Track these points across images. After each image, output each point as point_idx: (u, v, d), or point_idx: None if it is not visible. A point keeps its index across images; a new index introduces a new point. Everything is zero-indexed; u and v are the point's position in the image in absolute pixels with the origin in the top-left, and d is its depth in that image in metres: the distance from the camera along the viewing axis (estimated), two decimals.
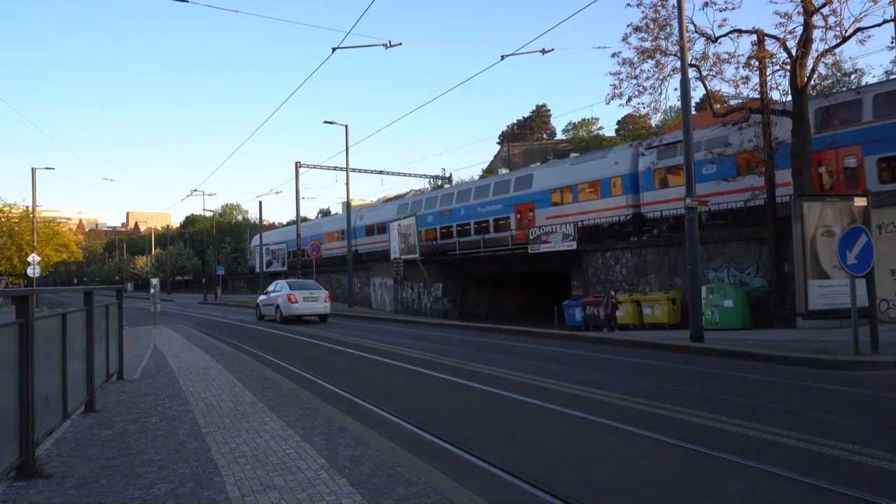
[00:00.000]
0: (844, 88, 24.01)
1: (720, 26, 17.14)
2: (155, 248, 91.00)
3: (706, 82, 17.82)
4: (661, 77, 17.84)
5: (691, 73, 15.80)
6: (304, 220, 57.30)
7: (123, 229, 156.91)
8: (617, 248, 23.85)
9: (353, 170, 47.69)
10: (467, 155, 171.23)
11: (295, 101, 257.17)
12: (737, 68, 19.91)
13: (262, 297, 27.16)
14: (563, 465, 5.23)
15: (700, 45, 18.97)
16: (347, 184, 35.79)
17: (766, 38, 17.12)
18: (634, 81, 18.10)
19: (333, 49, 18.94)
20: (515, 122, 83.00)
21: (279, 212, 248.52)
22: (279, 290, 25.04)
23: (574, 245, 25.17)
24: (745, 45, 76.69)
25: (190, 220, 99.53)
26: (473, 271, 33.24)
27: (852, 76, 30.58)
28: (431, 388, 9.32)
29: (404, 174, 70.14)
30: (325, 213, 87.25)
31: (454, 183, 55.74)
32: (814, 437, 5.70)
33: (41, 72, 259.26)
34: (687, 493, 4.52)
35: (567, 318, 23.23)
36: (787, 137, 17.78)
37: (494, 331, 19.49)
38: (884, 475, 4.75)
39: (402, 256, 34.29)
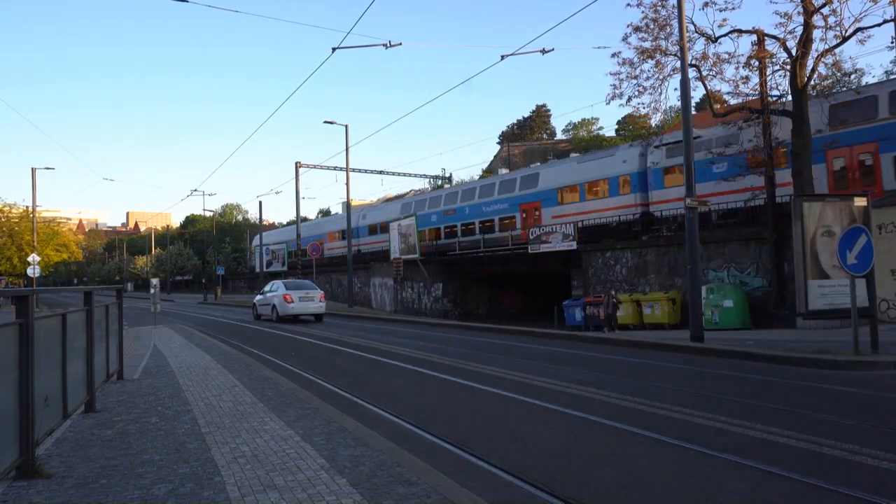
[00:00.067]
0: (844, 88, 23.99)
1: (720, 26, 17.15)
2: (155, 248, 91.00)
3: (706, 82, 17.82)
4: (661, 77, 17.84)
5: (691, 73, 15.81)
6: (304, 220, 57.30)
7: (123, 229, 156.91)
8: (617, 248, 23.83)
9: (353, 170, 47.74)
10: (467, 155, 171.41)
11: (295, 101, 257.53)
12: (737, 68, 19.96)
13: (258, 297, 27.45)
14: (563, 465, 5.23)
15: (700, 45, 19.01)
16: (347, 184, 35.82)
17: (766, 38, 17.11)
18: (634, 81, 18.09)
19: (333, 49, 18.96)
20: (515, 122, 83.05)
21: (279, 212, 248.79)
22: (275, 290, 25.35)
23: (574, 245, 25.15)
24: (745, 45, 76.78)
25: (190, 220, 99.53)
26: (473, 271, 33.22)
27: (852, 76, 30.57)
28: (431, 388, 9.32)
29: (404, 174, 70.22)
30: (325, 213, 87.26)
31: (454, 183, 55.73)
32: (814, 437, 5.69)
33: (41, 72, 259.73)
34: (687, 493, 4.52)
35: (567, 318, 23.23)
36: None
37: (494, 331, 19.48)
38: (884, 475, 4.75)
39: (402, 256, 34.29)
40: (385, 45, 19.24)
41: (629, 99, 18.49)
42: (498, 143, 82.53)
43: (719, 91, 19.54)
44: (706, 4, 16.78)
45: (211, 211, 69.33)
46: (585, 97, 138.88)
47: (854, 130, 18.25)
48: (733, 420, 6.44)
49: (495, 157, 77.26)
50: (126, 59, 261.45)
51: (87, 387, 7.03)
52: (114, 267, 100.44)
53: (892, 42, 16.37)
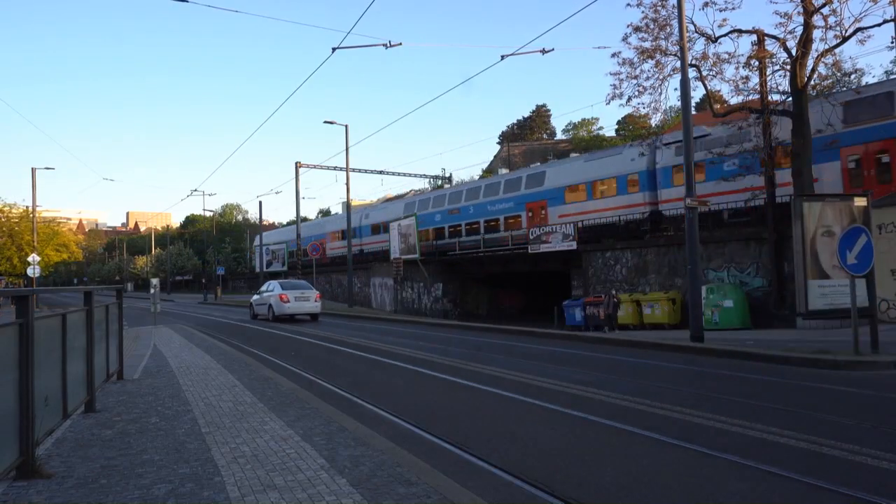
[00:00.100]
0: (844, 88, 23.97)
1: (720, 26, 17.15)
2: (155, 248, 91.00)
3: (706, 82, 17.82)
4: (661, 77, 17.84)
5: (691, 73, 15.80)
6: (305, 220, 57.30)
7: (123, 229, 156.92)
8: (617, 249, 23.83)
9: (353, 170, 47.72)
10: (467, 155, 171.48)
11: (295, 101, 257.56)
12: (737, 68, 19.89)
13: (255, 297, 27.78)
14: (563, 465, 5.23)
15: (700, 45, 19.01)
16: (347, 184, 35.82)
17: (766, 38, 17.11)
18: (634, 81, 18.09)
19: (333, 49, 18.96)
20: (515, 122, 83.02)
21: (279, 212, 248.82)
22: (272, 290, 25.65)
23: (574, 245, 25.15)
24: (745, 45, 76.73)
25: (190, 220, 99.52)
26: (473, 271, 33.22)
27: (852, 76, 30.55)
28: (431, 388, 9.32)
29: (404, 174, 70.23)
30: (325, 212, 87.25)
31: (454, 183, 55.69)
32: (814, 437, 5.69)
33: (41, 72, 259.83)
34: (687, 493, 4.52)
35: (567, 318, 23.24)
36: (816, 132, 17.49)
37: (494, 331, 19.48)
38: (884, 475, 4.75)
39: (402, 256, 34.30)
40: (385, 45, 19.25)
41: (629, 99, 18.50)
42: (498, 143, 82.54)
43: (719, 91, 19.55)
44: (706, 4, 16.79)
45: (211, 211, 69.37)
46: (585, 97, 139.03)
47: (869, 128, 17.94)
48: (733, 420, 6.44)
49: (495, 157, 77.26)
50: (126, 59, 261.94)
51: (87, 387, 7.03)
52: (114, 267, 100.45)
53: (892, 42, 16.36)
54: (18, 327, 4.54)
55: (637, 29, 17.70)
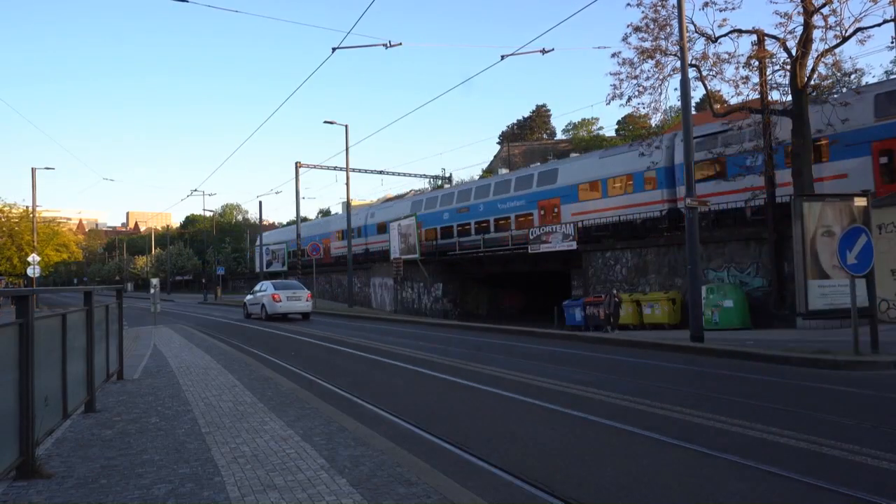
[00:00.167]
0: (845, 88, 23.95)
1: (720, 26, 17.15)
2: (155, 248, 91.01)
3: (706, 82, 17.82)
4: (661, 77, 17.84)
5: (691, 73, 15.80)
6: (304, 220, 57.30)
7: (123, 229, 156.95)
8: (617, 248, 23.82)
9: (353, 170, 47.74)
10: (467, 155, 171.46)
11: (295, 101, 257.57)
12: (737, 68, 19.86)
13: (248, 297, 28.37)
14: (563, 465, 5.23)
15: (700, 45, 18.98)
16: (347, 184, 35.85)
17: (766, 38, 17.11)
18: (634, 81, 18.10)
19: (333, 49, 18.96)
20: (515, 122, 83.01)
21: (279, 212, 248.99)
22: (265, 290, 26.32)
23: (574, 245, 25.13)
24: (745, 45, 76.74)
25: (190, 220, 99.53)
26: (473, 271, 33.22)
27: (852, 76, 30.55)
28: (431, 388, 9.32)
29: (404, 174, 70.29)
30: (325, 212, 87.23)
31: (455, 183, 55.69)
32: (814, 437, 5.70)
33: (41, 72, 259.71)
34: (687, 493, 4.52)
35: (567, 318, 23.23)
36: (846, 127, 17.37)
37: (494, 331, 19.49)
38: (884, 475, 4.75)
39: (402, 256, 34.30)
40: (385, 45, 19.25)
41: (629, 99, 18.51)
42: (498, 143, 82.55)
43: (719, 91, 19.51)
44: (706, 4, 16.79)
45: (211, 211, 69.36)
46: (585, 97, 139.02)
47: None
48: (733, 420, 6.44)
49: (495, 157, 77.26)
50: (126, 59, 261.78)
51: (87, 387, 7.03)
52: (114, 267, 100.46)
53: (893, 42, 16.36)
54: (18, 327, 4.54)
55: (637, 29, 17.71)
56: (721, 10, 16.77)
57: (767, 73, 17.73)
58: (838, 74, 23.33)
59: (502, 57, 18.74)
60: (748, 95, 18.16)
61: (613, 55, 18.33)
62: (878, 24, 15.59)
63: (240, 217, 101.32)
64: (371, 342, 15.94)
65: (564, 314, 23.50)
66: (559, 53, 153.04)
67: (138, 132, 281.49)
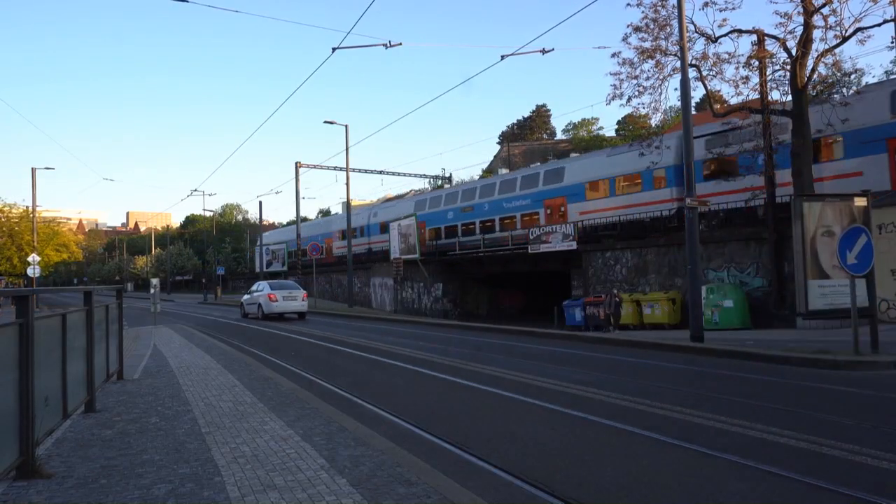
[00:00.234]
0: (845, 88, 23.94)
1: (720, 26, 17.14)
2: (155, 248, 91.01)
3: (706, 82, 17.82)
4: (661, 77, 17.84)
5: (691, 73, 15.80)
6: (304, 220, 57.29)
7: (123, 229, 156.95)
8: (617, 248, 23.81)
9: (353, 170, 47.71)
10: (467, 155, 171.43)
11: (295, 101, 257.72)
12: (737, 68, 19.88)
13: (245, 297, 28.84)
14: (563, 465, 5.23)
15: (700, 45, 18.99)
16: (347, 184, 35.86)
17: (766, 38, 17.11)
18: (634, 81, 18.09)
19: (333, 49, 18.96)
20: (515, 122, 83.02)
21: (279, 212, 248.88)
22: (261, 290, 26.83)
23: (574, 245, 25.12)
24: (745, 45, 76.71)
25: (190, 220, 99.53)
26: (473, 271, 33.20)
27: (852, 76, 30.55)
28: (431, 388, 9.32)
29: (404, 174, 70.26)
30: (325, 212, 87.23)
31: (454, 183, 55.66)
32: (814, 437, 5.70)
33: (41, 72, 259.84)
34: (687, 493, 4.52)
35: (567, 318, 23.23)
36: (861, 124, 17.20)
37: (494, 331, 19.49)
38: (884, 475, 4.75)
39: (402, 256, 34.30)
40: (385, 45, 19.25)
41: (629, 99, 18.50)
42: (498, 143, 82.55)
43: (719, 91, 19.48)
44: (706, 4, 16.79)
45: (211, 211, 69.36)
46: (585, 97, 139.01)
47: None
48: (733, 420, 6.44)
49: (495, 157, 77.27)
50: (126, 59, 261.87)
51: (87, 387, 7.03)
52: (114, 267, 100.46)
53: (893, 42, 16.36)
54: (18, 327, 4.54)
55: (637, 29, 17.71)
56: (721, 10, 16.78)
57: (767, 73, 17.73)
58: (838, 74, 23.30)
59: (502, 57, 18.76)
60: (748, 95, 18.16)
61: (613, 55, 18.35)
62: (878, 24, 15.60)
63: (240, 217, 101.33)
64: (371, 342, 15.94)
65: (564, 314, 23.49)
66: (559, 53, 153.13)
67: (138, 132, 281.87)
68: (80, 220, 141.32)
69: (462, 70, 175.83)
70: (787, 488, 4.55)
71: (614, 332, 18.31)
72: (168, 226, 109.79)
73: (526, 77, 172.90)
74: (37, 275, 37.36)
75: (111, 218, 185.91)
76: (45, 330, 5.35)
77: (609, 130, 71.06)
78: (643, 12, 17.49)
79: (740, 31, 17.22)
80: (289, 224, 67.68)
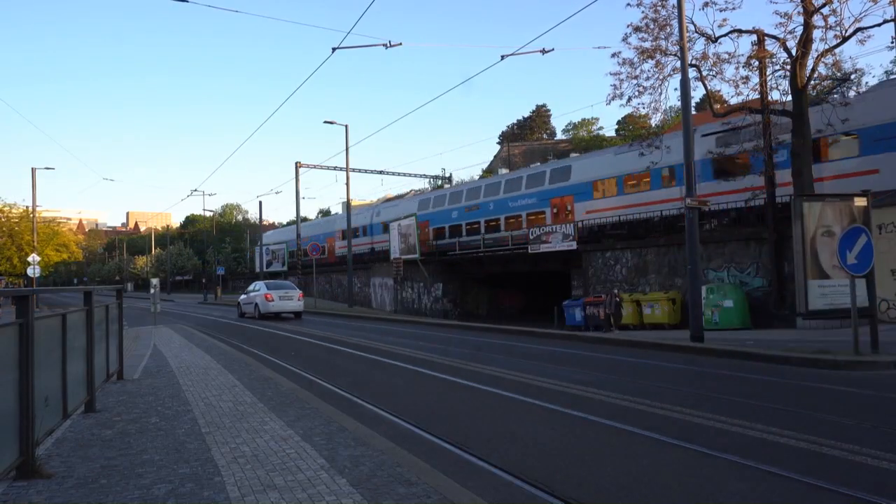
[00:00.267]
0: (845, 89, 23.91)
1: (720, 26, 17.15)
2: (155, 248, 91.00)
3: (706, 82, 17.82)
4: (661, 77, 17.85)
5: (691, 73, 15.80)
6: (304, 220, 57.27)
7: (123, 229, 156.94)
8: (617, 248, 23.80)
9: (353, 170, 47.70)
10: (467, 155, 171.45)
11: (295, 101, 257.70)
12: (737, 68, 19.88)
13: (242, 297, 29.25)
14: (563, 465, 5.23)
15: (700, 45, 18.98)
16: (347, 184, 35.86)
17: (766, 38, 17.11)
18: (634, 81, 18.10)
19: (333, 49, 18.97)
20: (515, 122, 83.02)
21: (279, 212, 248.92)
22: (258, 290, 27.32)
23: (574, 245, 25.11)
24: (745, 45, 76.74)
25: (190, 220, 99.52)
26: (473, 271, 33.20)
27: (853, 76, 30.55)
28: (431, 389, 9.32)
29: (404, 174, 70.28)
30: (325, 212, 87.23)
31: (454, 183, 55.65)
32: (814, 437, 5.70)
33: (41, 72, 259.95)
34: (687, 493, 4.52)
35: (567, 318, 23.23)
36: (872, 121, 17.12)
37: (494, 331, 19.49)
38: (884, 475, 4.75)
39: (401, 256, 34.31)
40: (385, 45, 19.25)
41: (629, 99, 18.52)
42: (498, 143, 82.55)
43: (719, 91, 19.46)
44: (706, 4, 16.80)
45: (211, 211, 69.38)
46: (585, 97, 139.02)
47: None
48: (733, 420, 6.44)
49: (495, 157, 77.28)
50: (126, 59, 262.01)
51: (87, 387, 7.03)
52: (114, 267, 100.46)
53: (893, 42, 16.36)
54: (18, 327, 4.54)
55: (637, 29, 17.71)
56: (721, 10, 16.79)
57: (767, 73, 17.73)
58: (838, 74, 23.29)
59: (502, 57, 18.76)
60: (748, 95, 18.17)
61: (613, 55, 18.36)
62: (878, 24, 15.61)
63: (240, 217, 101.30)
64: (371, 342, 15.94)
65: (564, 314, 23.50)
66: (559, 53, 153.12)
67: (138, 132, 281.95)
68: (80, 220, 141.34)
69: (462, 70, 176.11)
70: (787, 488, 4.55)
71: (615, 333, 18.31)
72: (168, 226, 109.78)
73: (526, 77, 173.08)
74: (37, 275, 37.36)
75: (111, 218, 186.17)
76: (45, 330, 5.35)
77: (609, 130, 71.15)
78: (643, 12, 17.51)
79: (740, 31, 17.23)
80: (289, 224, 67.68)
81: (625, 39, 18.07)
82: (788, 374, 9.48)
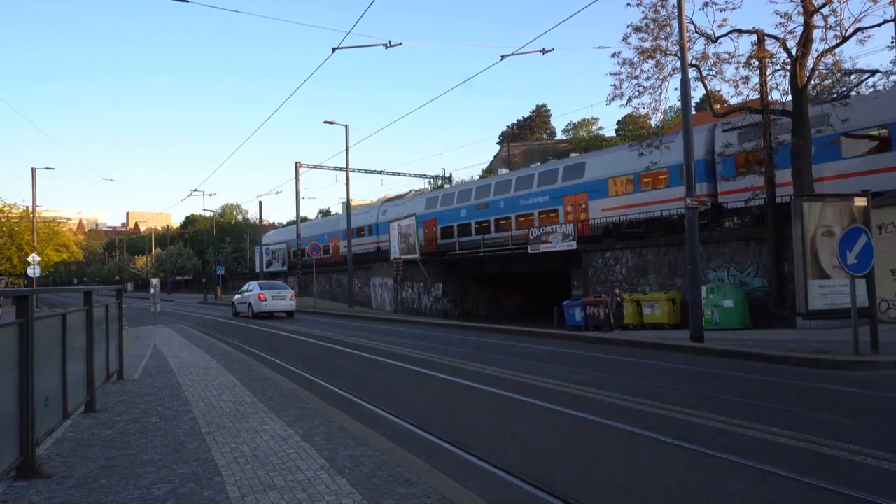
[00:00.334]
0: (845, 88, 23.91)
1: (720, 26, 17.13)
2: (155, 248, 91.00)
3: (706, 82, 17.81)
4: (661, 77, 17.82)
5: (691, 73, 15.79)
6: (304, 220, 57.26)
7: (123, 229, 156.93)
8: (617, 248, 23.81)
9: (353, 170, 47.74)
10: (467, 155, 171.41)
11: (295, 101, 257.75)
12: (737, 68, 19.85)
13: (237, 297, 29.92)
14: (563, 465, 5.23)
15: (700, 45, 18.97)
16: (347, 184, 35.87)
17: (766, 38, 17.10)
18: (635, 82, 18.08)
19: (333, 49, 18.97)
20: (515, 122, 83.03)
21: (279, 212, 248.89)
22: (251, 290, 27.94)
23: (574, 245, 25.12)
24: (745, 45, 76.71)
25: (190, 220, 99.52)
26: (473, 271, 33.20)
27: (852, 76, 30.52)
28: (431, 389, 9.32)
29: (404, 174, 70.21)
30: (325, 213, 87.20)
31: (454, 183, 55.63)
32: (814, 437, 5.70)
33: (41, 72, 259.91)
34: (687, 493, 4.52)
35: (567, 318, 23.24)
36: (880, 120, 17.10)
37: (494, 331, 19.49)
38: (884, 475, 4.75)
39: (402, 256, 34.31)
40: (385, 45, 19.26)
41: (629, 99, 18.48)
42: (498, 143, 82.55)
43: (719, 91, 19.42)
44: (706, 4, 16.78)
45: (211, 211, 69.40)
46: (585, 97, 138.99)
47: None
48: (733, 420, 6.44)
49: (495, 157, 77.27)
50: (126, 59, 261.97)
51: (87, 387, 7.03)
52: (114, 267, 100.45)
53: (893, 42, 16.35)
54: (18, 327, 4.54)
55: (637, 29, 17.70)
56: (721, 10, 16.77)
57: (767, 73, 17.73)
58: (838, 74, 23.25)
59: (502, 57, 18.77)
60: (748, 95, 18.16)
61: (613, 55, 18.33)
62: (878, 24, 15.60)
63: (240, 217, 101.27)
64: (371, 342, 15.94)
65: (564, 314, 23.50)
66: (559, 53, 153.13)
67: (138, 132, 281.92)
68: (80, 220, 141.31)
69: (462, 70, 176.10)
70: (787, 488, 4.56)
71: (616, 333, 18.30)
72: (168, 226, 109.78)
73: (526, 77, 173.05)
74: (37, 275, 37.35)
75: (111, 218, 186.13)
76: (45, 330, 5.35)
77: (609, 130, 71.13)
78: (643, 12, 17.49)
79: (740, 31, 17.22)
80: (289, 224, 67.66)
81: (625, 39, 18.07)
82: (788, 374, 9.48)
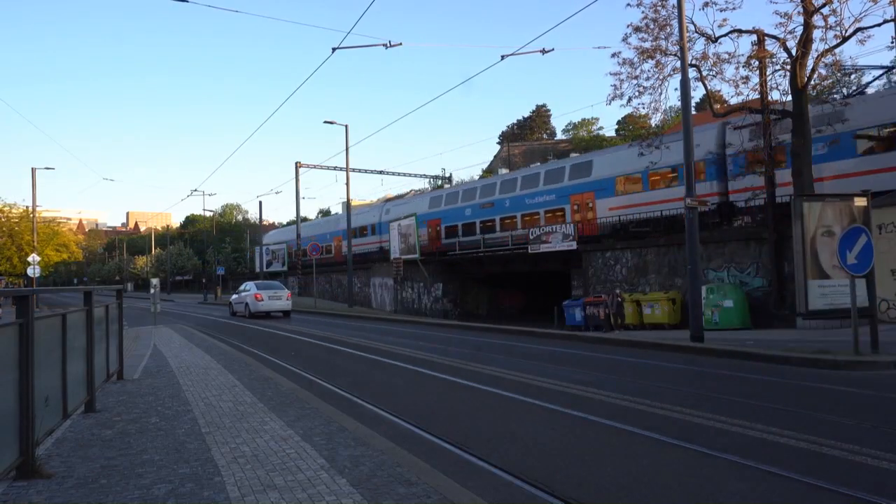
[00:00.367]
0: (845, 88, 23.90)
1: (720, 26, 17.13)
2: (155, 248, 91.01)
3: (706, 82, 17.80)
4: (661, 77, 17.82)
5: (691, 73, 15.78)
6: (304, 220, 57.26)
7: (123, 229, 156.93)
8: (617, 248, 23.81)
9: (353, 170, 47.76)
10: (467, 155, 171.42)
11: (295, 101, 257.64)
12: (737, 68, 19.80)
13: (234, 297, 30.43)
14: (563, 465, 5.23)
15: (700, 45, 18.92)
16: (347, 184, 35.87)
17: (766, 38, 17.10)
18: (635, 82, 18.07)
19: (333, 49, 18.98)
20: (515, 122, 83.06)
21: (279, 212, 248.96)
22: (248, 290, 28.45)
23: (574, 245, 25.12)
24: (745, 45, 76.67)
25: (190, 220, 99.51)
26: (473, 271, 33.20)
27: (852, 76, 30.55)
28: (431, 389, 9.32)
29: (404, 174, 70.33)
30: (325, 212, 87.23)
31: (454, 183, 55.63)
32: (814, 437, 5.70)
33: (41, 72, 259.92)
34: (687, 493, 4.52)
35: (567, 318, 23.23)
36: (882, 119, 17.02)
37: (494, 331, 19.49)
38: (884, 475, 4.75)
39: (402, 256, 34.31)
40: (385, 45, 19.27)
41: (629, 99, 18.47)
42: (498, 143, 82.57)
43: (719, 91, 19.39)
44: (706, 4, 16.77)
45: (211, 211, 69.40)
46: (585, 97, 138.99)
47: None
48: (733, 420, 6.44)
49: (495, 157, 77.30)
50: (126, 59, 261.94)
51: (87, 387, 7.03)
52: (114, 267, 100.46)
53: (893, 42, 16.35)
54: (18, 327, 4.54)
55: (637, 29, 17.70)
56: (721, 10, 16.76)
57: (767, 73, 17.73)
58: (838, 74, 23.24)
59: (502, 57, 18.77)
60: (748, 95, 18.16)
61: (613, 55, 18.33)
62: (878, 24, 15.59)
63: (240, 217, 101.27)
64: (371, 342, 15.94)
65: (564, 314, 23.50)
66: (559, 53, 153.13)
67: (138, 132, 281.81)
68: (80, 220, 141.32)
69: (462, 70, 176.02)
70: (787, 488, 4.56)
71: (617, 333, 18.30)
72: (168, 226, 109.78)
73: (526, 77, 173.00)
74: (37, 275, 37.36)
75: (111, 218, 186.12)
76: (45, 330, 5.35)
77: (609, 130, 71.16)
78: (643, 12, 17.49)
79: (740, 31, 17.21)
80: (289, 224, 67.66)
81: (625, 39, 18.07)
82: (788, 374, 9.48)
